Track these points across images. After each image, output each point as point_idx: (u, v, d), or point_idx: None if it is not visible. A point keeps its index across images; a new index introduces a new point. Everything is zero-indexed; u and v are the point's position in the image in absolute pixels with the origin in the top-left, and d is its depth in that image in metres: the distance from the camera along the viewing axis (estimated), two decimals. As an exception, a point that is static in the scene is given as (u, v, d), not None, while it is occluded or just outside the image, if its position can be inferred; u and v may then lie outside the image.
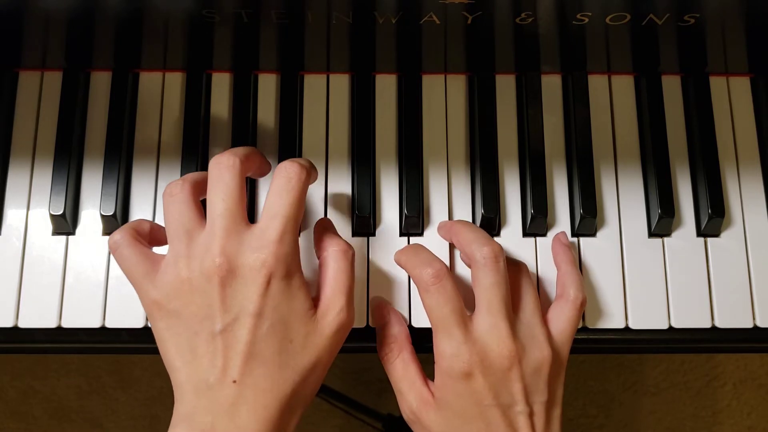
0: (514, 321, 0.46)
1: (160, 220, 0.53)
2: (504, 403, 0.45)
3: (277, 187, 0.44)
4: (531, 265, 0.52)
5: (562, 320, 0.48)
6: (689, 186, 0.55)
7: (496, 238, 0.53)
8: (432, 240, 0.53)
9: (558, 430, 0.46)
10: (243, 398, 0.41)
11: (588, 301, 0.52)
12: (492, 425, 0.45)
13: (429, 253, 0.48)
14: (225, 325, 0.41)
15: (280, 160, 0.53)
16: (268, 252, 0.42)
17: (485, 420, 0.45)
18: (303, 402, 0.44)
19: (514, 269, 0.49)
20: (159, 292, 0.43)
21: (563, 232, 0.53)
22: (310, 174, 0.45)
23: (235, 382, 0.41)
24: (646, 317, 0.52)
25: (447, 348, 0.45)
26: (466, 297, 0.46)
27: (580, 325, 0.52)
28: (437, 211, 0.53)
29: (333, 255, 0.45)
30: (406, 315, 0.51)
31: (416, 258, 0.47)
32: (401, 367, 0.48)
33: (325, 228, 0.48)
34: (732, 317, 0.52)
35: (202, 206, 0.45)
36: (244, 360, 0.41)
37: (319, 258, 0.47)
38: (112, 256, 0.46)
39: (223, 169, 0.43)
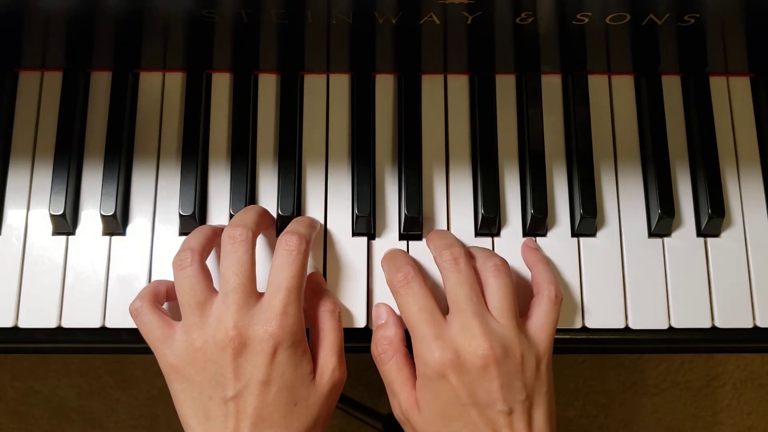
0: (487, 319, 0.46)
1: (160, 221, 0.53)
2: (481, 403, 0.45)
3: (279, 261, 0.46)
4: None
5: (539, 317, 0.48)
6: (689, 186, 0.55)
7: (496, 238, 0.53)
8: (434, 279, 0.52)
9: (544, 430, 0.46)
10: None
11: (588, 301, 0.52)
12: (471, 425, 0.45)
13: (403, 258, 0.50)
14: (236, 392, 0.45)
15: (281, 160, 0.53)
16: (275, 324, 0.45)
17: (464, 420, 0.45)
18: None
19: (492, 272, 0.48)
20: (175, 358, 0.46)
21: (530, 238, 0.53)
22: (310, 240, 0.48)
23: None
24: (646, 317, 0.52)
25: (419, 347, 0.46)
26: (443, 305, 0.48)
27: (580, 325, 0.52)
28: (437, 212, 0.54)
29: (322, 316, 0.49)
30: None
31: (390, 263, 0.50)
32: (395, 369, 0.48)
33: (315, 284, 0.51)
34: (732, 317, 0.52)
35: (209, 273, 0.47)
36: (253, 423, 0.44)
37: (308, 312, 0.49)
38: (132, 319, 0.48)
39: (237, 244, 0.46)
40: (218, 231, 0.50)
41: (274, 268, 0.46)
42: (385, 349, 0.49)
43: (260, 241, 0.52)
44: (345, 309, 0.51)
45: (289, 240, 0.47)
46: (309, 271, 0.51)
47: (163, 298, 0.50)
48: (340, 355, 0.48)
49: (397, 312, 0.50)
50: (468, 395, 0.45)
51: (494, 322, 0.46)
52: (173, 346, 0.46)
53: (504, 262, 0.49)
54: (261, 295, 0.47)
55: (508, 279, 0.48)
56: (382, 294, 0.52)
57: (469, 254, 0.49)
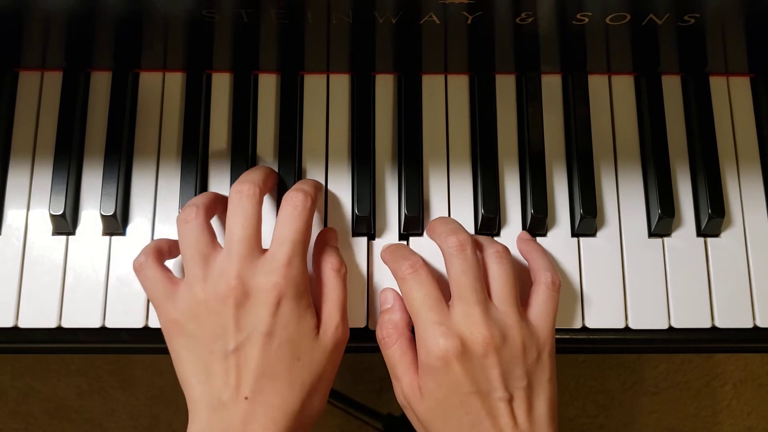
0: (488, 307, 0.46)
1: (160, 221, 0.53)
2: (483, 390, 0.45)
3: (284, 216, 0.46)
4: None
5: (538, 304, 0.48)
6: (689, 186, 0.55)
7: (496, 238, 0.53)
8: (431, 240, 0.52)
9: (546, 421, 0.46)
10: (254, 415, 0.44)
11: (588, 301, 0.52)
12: (472, 413, 0.45)
13: (408, 250, 0.50)
14: (238, 344, 0.44)
15: (281, 160, 0.53)
16: (279, 275, 0.45)
17: (465, 408, 0.45)
18: (311, 417, 0.46)
19: (495, 259, 0.48)
20: (177, 312, 0.46)
21: (524, 232, 0.53)
22: (315, 200, 0.48)
23: (246, 398, 0.44)
24: (646, 317, 0.52)
25: (423, 334, 0.46)
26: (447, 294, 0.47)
27: (580, 325, 0.52)
28: (437, 211, 0.53)
29: (327, 273, 0.48)
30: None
31: (396, 253, 0.50)
32: (398, 354, 0.48)
33: (324, 241, 0.51)
34: (732, 317, 0.52)
35: (213, 230, 0.47)
36: (256, 377, 0.44)
37: (314, 271, 0.49)
38: (135, 275, 0.48)
39: (244, 198, 0.46)
40: (223, 198, 0.50)
41: (280, 222, 0.46)
42: (389, 332, 0.49)
43: (265, 204, 0.52)
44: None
45: (294, 196, 0.47)
46: (319, 228, 0.52)
47: (167, 255, 0.49)
48: (343, 313, 0.48)
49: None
50: (470, 383, 0.45)
51: (495, 309, 0.46)
52: (176, 301, 0.46)
53: (506, 249, 0.49)
54: (266, 250, 0.46)
55: (509, 266, 0.48)
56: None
57: (475, 241, 0.49)
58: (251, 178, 0.47)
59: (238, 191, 0.47)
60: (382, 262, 0.52)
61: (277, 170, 0.53)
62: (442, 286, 0.48)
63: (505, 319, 0.46)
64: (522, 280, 0.51)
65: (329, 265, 0.49)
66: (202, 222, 0.47)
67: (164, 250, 0.49)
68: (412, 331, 0.49)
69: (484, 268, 0.48)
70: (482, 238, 0.51)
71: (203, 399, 0.44)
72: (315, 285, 0.49)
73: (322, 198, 0.52)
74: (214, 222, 0.50)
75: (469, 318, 0.45)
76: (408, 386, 0.47)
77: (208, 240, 0.46)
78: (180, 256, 0.49)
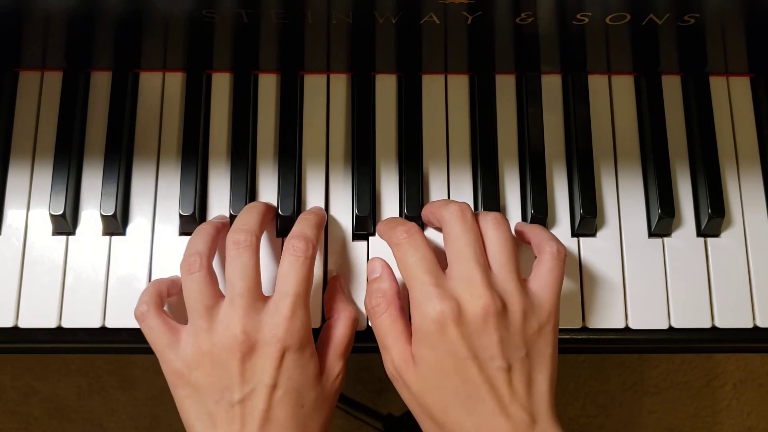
0: (488, 272, 0.45)
1: (160, 221, 0.53)
2: (480, 357, 0.43)
3: (285, 267, 0.46)
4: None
5: (542, 275, 0.46)
6: (689, 186, 0.55)
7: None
8: (432, 240, 0.52)
9: (545, 396, 0.44)
10: None
11: (588, 301, 0.52)
12: (468, 380, 0.43)
13: (402, 219, 0.50)
14: (243, 396, 0.45)
15: (281, 160, 0.53)
16: (283, 329, 0.45)
17: (461, 374, 0.44)
18: None
19: (492, 224, 0.47)
20: (181, 363, 0.46)
21: (518, 222, 0.52)
22: (317, 242, 0.48)
23: None
24: (646, 317, 0.52)
25: (418, 297, 0.45)
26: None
27: (580, 325, 0.52)
28: (437, 211, 0.53)
29: (344, 321, 0.49)
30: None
31: (392, 222, 0.49)
32: (388, 323, 0.47)
33: (337, 289, 0.51)
34: (732, 317, 0.52)
35: (216, 276, 0.47)
36: (260, 426, 0.44)
37: (327, 316, 0.50)
38: (138, 324, 0.48)
39: (242, 250, 0.46)
40: (220, 228, 0.50)
41: (282, 274, 0.46)
42: (378, 301, 0.48)
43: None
44: (345, 309, 0.51)
45: (296, 245, 0.47)
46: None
47: (165, 297, 0.49)
48: (345, 362, 0.48)
49: (392, 266, 0.50)
50: (467, 348, 0.43)
51: (495, 275, 0.45)
52: (179, 351, 0.46)
53: (503, 216, 0.48)
54: (267, 298, 0.46)
55: (508, 232, 0.47)
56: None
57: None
58: (247, 226, 0.47)
59: (235, 242, 0.46)
60: (378, 228, 0.51)
61: (277, 170, 0.53)
62: (439, 257, 0.47)
63: (505, 285, 0.45)
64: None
65: (345, 314, 0.49)
66: (206, 273, 0.46)
67: (164, 294, 0.49)
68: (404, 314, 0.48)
69: (483, 235, 0.47)
70: (479, 211, 0.49)
71: None
72: (324, 329, 0.50)
73: (323, 230, 0.52)
74: (217, 260, 0.50)
75: (469, 280, 0.44)
76: (399, 356, 0.46)
77: (211, 292, 0.46)
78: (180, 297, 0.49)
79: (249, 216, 0.48)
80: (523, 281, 0.46)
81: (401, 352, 0.46)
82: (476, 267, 0.45)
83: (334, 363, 0.48)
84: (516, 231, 0.51)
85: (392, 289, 0.49)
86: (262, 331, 0.45)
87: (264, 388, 0.45)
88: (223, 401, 0.45)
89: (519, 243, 0.51)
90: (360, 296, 0.52)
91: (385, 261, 0.50)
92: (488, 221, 0.47)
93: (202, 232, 0.49)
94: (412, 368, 0.45)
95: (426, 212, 0.51)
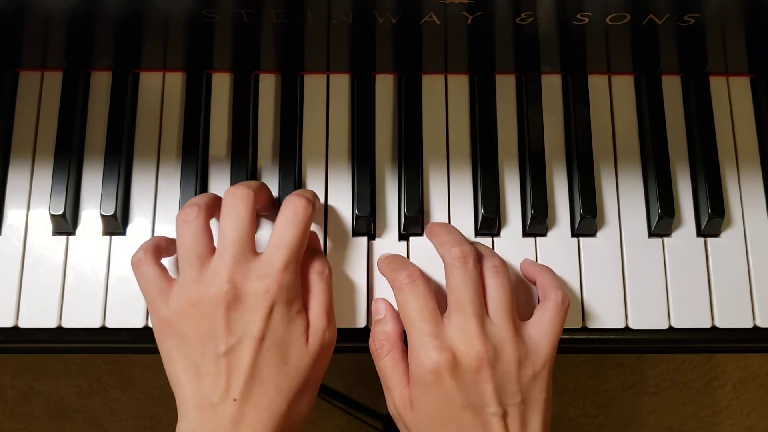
0: (485, 321, 0.46)
1: (160, 220, 0.53)
2: (475, 405, 0.45)
3: (284, 219, 0.46)
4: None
5: (543, 322, 0.47)
6: (689, 186, 0.55)
7: (496, 239, 0.53)
8: (431, 243, 0.52)
9: None
10: (243, 416, 0.44)
11: (588, 302, 0.52)
12: (465, 427, 0.45)
13: (405, 260, 0.51)
14: (229, 347, 0.44)
15: (281, 160, 0.53)
16: (273, 280, 0.45)
17: (457, 422, 0.45)
18: (298, 419, 0.47)
19: (491, 273, 0.48)
20: (170, 312, 0.45)
21: (527, 260, 0.52)
22: (315, 207, 0.48)
23: (235, 400, 0.44)
24: (646, 317, 0.52)
25: (416, 346, 0.46)
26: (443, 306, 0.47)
27: (580, 325, 0.52)
28: (437, 211, 0.53)
29: (311, 278, 0.48)
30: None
31: (394, 263, 0.50)
32: (390, 366, 0.48)
33: (308, 245, 0.50)
34: (732, 317, 0.52)
35: (212, 232, 0.47)
36: (245, 380, 0.44)
37: (302, 274, 0.49)
38: (132, 270, 0.48)
39: (238, 200, 0.46)
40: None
41: (279, 225, 0.46)
42: (382, 344, 0.49)
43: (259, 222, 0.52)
44: (344, 309, 0.51)
45: (296, 201, 0.47)
46: (319, 231, 0.52)
47: (165, 252, 0.49)
48: (329, 316, 0.48)
49: (396, 308, 0.50)
50: (462, 397, 0.45)
51: (492, 324, 0.46)
52: (169, 300, 0.46)
53: (503, 263, 0.49)
54: (259, 254, 0.46)
55: (506, 280, 0.48)
56: (382, 294, 0.51)
57: (476, 253, 0.48)
58: (246, 184, 0.47)
59: (231, 194, 0.46)
60: (378, 264, 0.52)
61: (277, 170, 0.53)
62: (438, 296, 0.48)
63: (501, 334, 0.46)
64: (520, 298, 0.51)
65: (313, 270, 0.48)
66: (202, 223, 0.46)
67: (162, 247, 0.49)
68: (405, 342, 0.49)
69: (481, 282, 0.48)
70: (482, 249, 0.50)
71: (193, 399, 0.44)
72: (302, 291, 0.49)
73: (319, 210, 0.52)
74: (214, 225, 0.50)
75: (465, 332, 0.45)
76: (399, 398, 0.47)
77: (205, 242, 0.46)
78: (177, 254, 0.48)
79: (249, 181, 0.49)
80: (520, 325, 0.47)
81: (401, 394, 0.47)
82: (473, 318, 0.45)
83: (317, 318, 0.47)
84: (523, 268, 0.52)
85: (395, 332, 0.49)
86: (251, 281, 0.44)
87: (250, 340, 0.44)
88: (208, 353, 0.44)
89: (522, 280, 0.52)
90: (360, 293, 0.52)
91: (389, 303, 0.50)
92: (488, 269, 0.48)
93: (205, 194, 0.49)
94: (410, 411, 0.47)
95: (429, 233, 0.52)
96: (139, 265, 0.47)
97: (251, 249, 0.46)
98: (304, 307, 0.47)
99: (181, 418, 0.45)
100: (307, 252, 0.49)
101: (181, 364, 0.45)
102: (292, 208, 0.46)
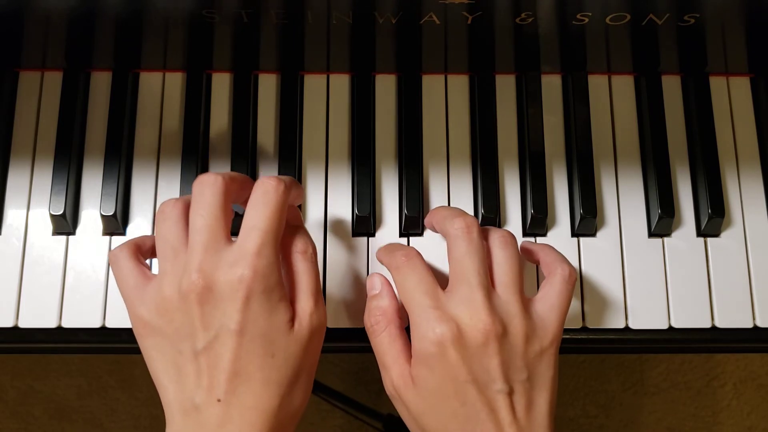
0: (491, 294, 0.44)
1: (160, 220, 0.53)
2: (480, 380, 0.42)
3: (253, 201, 0.43)
4: (531, 266, 0.52)
5: (550, 297, 0.45)
6: (689, 186, 0.55)
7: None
8: (432, 240, 0.53)
9: (545, 418, 0.44)
10: (229, 417, 0.41)
11: (588, 301, 0.52)
12: (468, 404, 0.43)
13: (403, 244, 0.49)
14: (206, 343, 0.41)
15: (281, 160, 0.53)
16: (246, 265, 0.41)
17: (461, 398, 0.43)
18: (292, 413, 0.43)
19: (499, 243, 0.46)
20: (144, 309, 0.43)
21: (525, 241, 0.51)
22: (289, 189, 0.44)
23: (220, 401, 0.41)
24: (646, 317, 0.52)
25: (417, 321, 0.44)
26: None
27: (580, 325, 0.52)
28: (437, 211, 0.53)
29: (294, 258, 0.45)
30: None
31: (391, 248, 0.48)
32: (387, 342, 0.46)
33: (287, 222, 0.47)
34: (732, 317, 0.52)
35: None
36: (228, 378, 0.41)
37: (283, 255, 0.46)
38: (111, 267, 0.46)
39: (205, 187, 0.43)
40: None
41: (248, 208, 0.43)
42: (377, 319, 0.46)
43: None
44: (344, 309, 0.51)
45: (265, 181, 0.43)
46: (318, 231, 0.50)
47: (147, 253, 0.46)
48: (317, 298, 0.44)
49: (392, 282, 0.49)
50: (467, 371, 0.42)
51: (498, 297, 0.44)
52: (144, 296, 0.43)
53: (511, 235, 0.47)
54: (233, 241, 0.43)
55: (515, 252, 0.46)
56: (382, 294, 0.51)
57: (480, 227, 0.47)
58: (216, 172, 0.44)
59: (198, 182, 0.43)
60: (377, 253, 0.51)
61: (277, 170, 0.53)
62: (439, 279, 0.47)
63: (508, 307, 0.44)
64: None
65: (295, 249, 0.45)
66: (179, 215, 0.43)
67: (145, 247, 0.46)
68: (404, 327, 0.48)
69: (488, 255, 0.46)
70: (487, 227, 0.49)
71: (176, 402, 0.42)
72: (285, 272, 0.45)
73: (301, 198, 0.50)
74: None
75: (471, 303, 0.43)
76: (398, 376, 0.45)
77: (180, 233, 0.43)
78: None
79: (223, 172, 0.45)
80: (527, 301, 0.45)
81: (400, 371, 0.45)
82: (479, 289, 0.43)
83: (304, 302, 0.43)
84: (523, 249, 0.50)
85: (392, 306, 0.47)
86: (222, 270, 0.41)
87: (228, 334, 0.41)
88: (186, 351, 0.41)
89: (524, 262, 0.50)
90: (360, 293, 0.52)
91: (384, 277, 0.48)
92: (495, 239, 0.46)
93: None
94: (411, 389, 0.44)
95: (429, 221, 0.51)
96: (116, 259, 0.44)
97: (224, 237, 0.42)
98: (290, 291, 0.44)
99: (168, 423, 0.42)
100: (288, 231, 0.46)
101: (161, 365, 0.42)
102: (261, 188, 0.43)
